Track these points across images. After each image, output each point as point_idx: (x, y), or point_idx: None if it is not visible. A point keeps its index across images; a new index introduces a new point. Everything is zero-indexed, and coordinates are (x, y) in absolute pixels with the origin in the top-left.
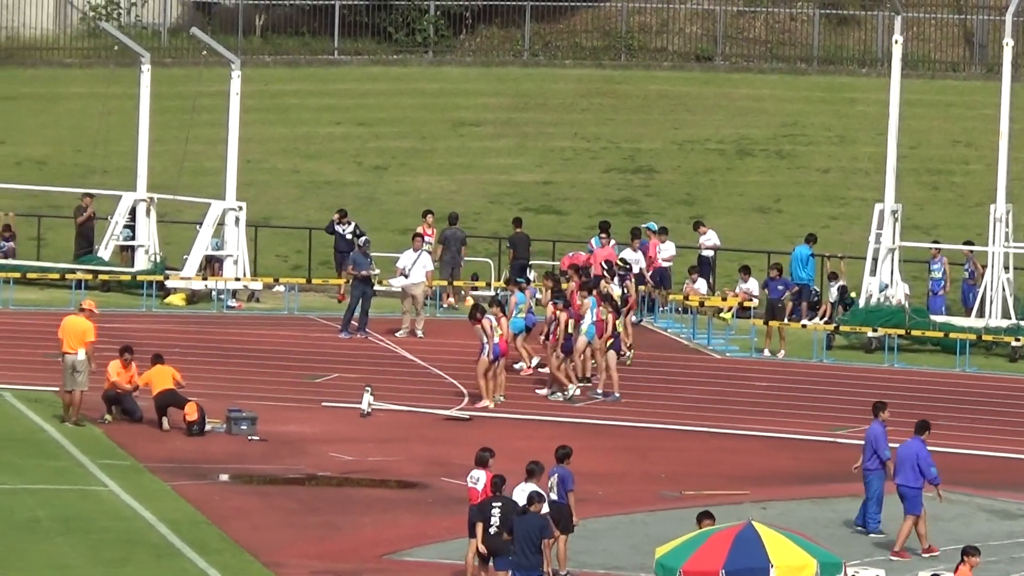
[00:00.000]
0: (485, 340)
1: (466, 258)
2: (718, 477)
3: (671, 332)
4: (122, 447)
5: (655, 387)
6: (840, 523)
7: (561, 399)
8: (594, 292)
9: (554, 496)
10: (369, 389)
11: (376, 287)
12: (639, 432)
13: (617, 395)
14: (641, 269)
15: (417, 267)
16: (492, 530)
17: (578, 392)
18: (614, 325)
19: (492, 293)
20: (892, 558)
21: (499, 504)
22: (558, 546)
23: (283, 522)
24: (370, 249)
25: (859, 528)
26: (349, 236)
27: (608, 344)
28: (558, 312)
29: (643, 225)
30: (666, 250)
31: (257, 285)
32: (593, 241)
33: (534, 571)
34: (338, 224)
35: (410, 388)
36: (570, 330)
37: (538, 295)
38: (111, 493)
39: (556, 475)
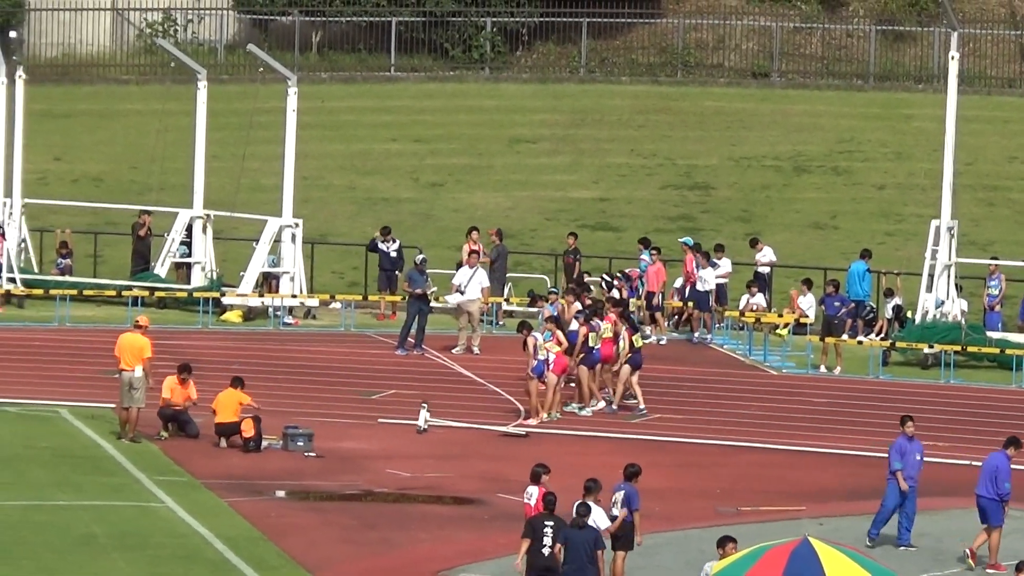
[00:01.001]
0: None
1: (520, 275)
2: (775, 493)
3: (727, 349)
4: (179, 463)
5: (712, 403)
6: (896, 539)
7: (578, 412)
8: (611, 310)
9: (615, 512)
10: (425, 406)
11: (432, 304)
12: (696, 448)
13: (643, 409)
14: (629, 288)
15: (473, 284)
16: (545, 551)
17: (601, 407)
18: (631, 340)
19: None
20: (989, 571)
21: (551, 523)
22: (616, 562)
23: (340, 538)
24: (426, 267)
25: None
26: (393, 254)
27: (626, 359)
28: (580, 326)
29: (680, 240)
30: (722, 267)
31: (313, 302)
32: (645, 256)
33: None
34: (381, 242)
35: (466, 404)
36: (591, 343)
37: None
38: (168, 509)
39: (622, 492)
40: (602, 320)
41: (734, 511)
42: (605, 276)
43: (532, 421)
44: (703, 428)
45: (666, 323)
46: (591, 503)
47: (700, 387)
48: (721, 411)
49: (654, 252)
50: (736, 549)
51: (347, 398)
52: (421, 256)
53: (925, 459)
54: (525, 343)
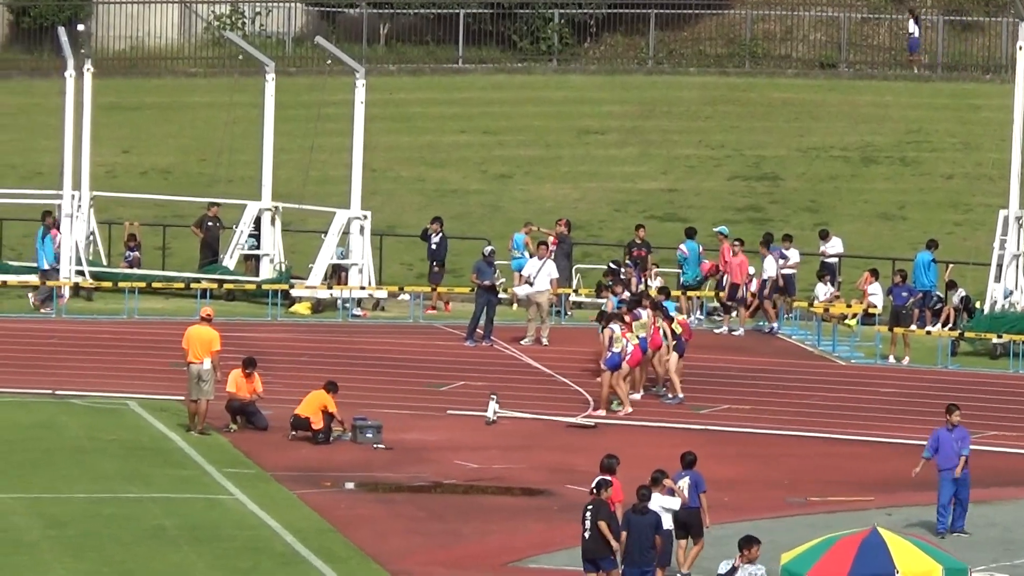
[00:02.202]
0: (603, 348)
1: (589, 265)
2: (843, 483)
3: (796, 339)
4: (247, 456)
5: (780, 393)
6: (952, 524)
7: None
8: (644, 303)
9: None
10: (494, 397)
11: (501, 295)
12: (764, 439)
13: (681, 396)
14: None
15: (542, 275)
16: (586, 535)
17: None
18: (671, 329)
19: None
20: None
21: (590, 507)
22: (691, 550)
23: (409, 529)
24: (495, 258)
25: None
26: (433, 246)
27: (673, 346)
28: (603, 327)
29: (715, 229)
30: (791, 257)
31: (382, 294)
32: (684, 246)
33: (647, 567)
34: (431, 232)
35: (535, 396)
36: (634, 341)
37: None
38: (237, 502)
39: (687, 479)
40: (643, 311)
41: (803, 501)
42: (611, 264)
43: (601, 412)
44: (771, 418)
45: (748, 314)
46: (657, 492)
47: (769, 378)
48: (790, 401)
49: (736, 243)
50: (759, 551)
51: (416, 390)
52: (490, 248)
53: (994, 449)
54: (603, 334)
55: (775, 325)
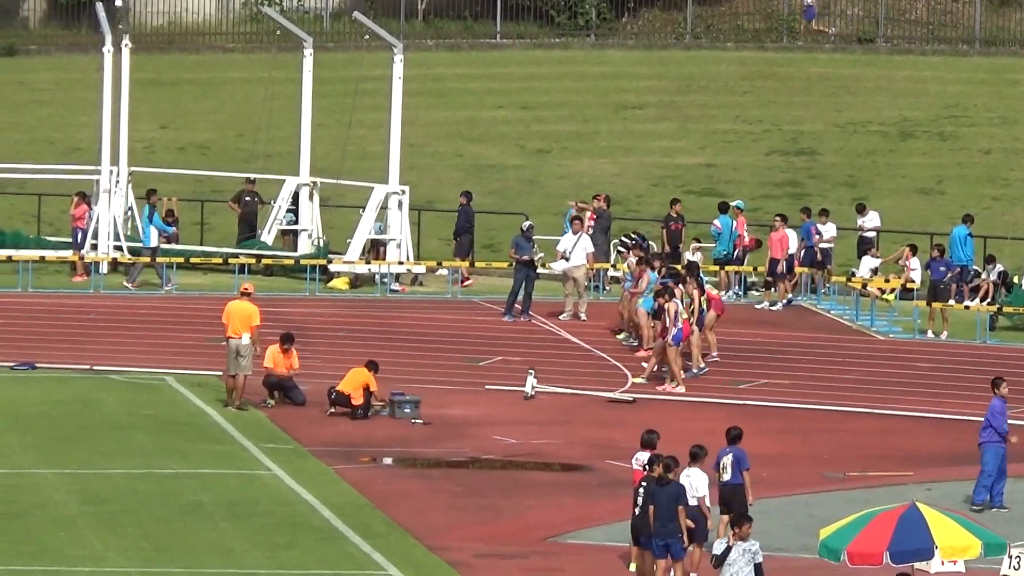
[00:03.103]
0: (668, 323)
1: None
2: (882, 458)
3: (834, 314)
4: (285, 431)
5: (819, 368)
6: (991, 502)
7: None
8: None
9: (726, 477)
10: (532, 372)
11: (539, 270)
12: (802, 413)
13: (703, 367)
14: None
15: (578, 250)
16: (637, 511)
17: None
18: (700, 301)
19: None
20: None
21: (644, 485)
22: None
23: (447, 505)
24: (533, 233)
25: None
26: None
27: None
28: (665, 303)
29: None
30: (827, 232)
31: (420, 269)
32: (718, 221)
33: (672, 538)
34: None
35: (573, 371)
36: (683, 317)
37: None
38: (274, 477)
39: (730, 455)
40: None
41: (841, 476)
42: (623, 238)
43: (681, 388)
44: (810, 393)
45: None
46: (697, 469)
47: (807, 352)
48: (828, 376)
49: (778, 219)
50: (751, 529)
51: (454, 365)
52: (528, 223)
53: None
54: (660, 309)
55: (784, 301)
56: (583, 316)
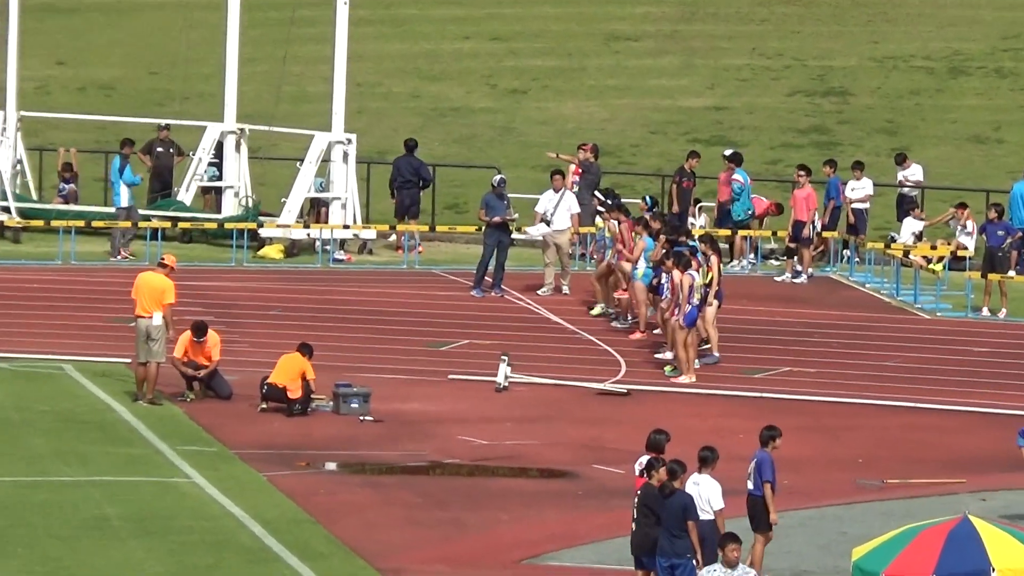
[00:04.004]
0: (682, 299)
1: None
2: (928, 462)
3: (870, 287)
4: (208, 430)
5: (851, 354)
6: None
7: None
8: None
9: (750, 486)
10: (506, 358)
11: (514, 235)
12: (830, 408)
13: (716, 356)
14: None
15: (561, 211)
16: (633, 526)
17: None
18: (719, 267)
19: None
20: None
21: (639, 494)
22: (755, 548)
23: (403, 519)
24: (506, 189)
25: None
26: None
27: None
28: (680, 274)
29: (725, 152)
30: (860, 188)
31: (370, 234)
32: (739, 175)
33: (679, 558)
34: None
35: (555, 357)
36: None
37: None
38: (194, 486)
39: (754, 460)
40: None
41: (879, 485)
42: (598, 194)
43: (685, 379)
44: (840, 384)
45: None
46: (708, 476)
47: (837, 334)
48: (862, 363)
49: (802, 174)
50: (738, 552)
51: (411, 350)
52: (499, 177)
53: None
54: (681, 280)
55: (805, 274)
56: (566, 290)
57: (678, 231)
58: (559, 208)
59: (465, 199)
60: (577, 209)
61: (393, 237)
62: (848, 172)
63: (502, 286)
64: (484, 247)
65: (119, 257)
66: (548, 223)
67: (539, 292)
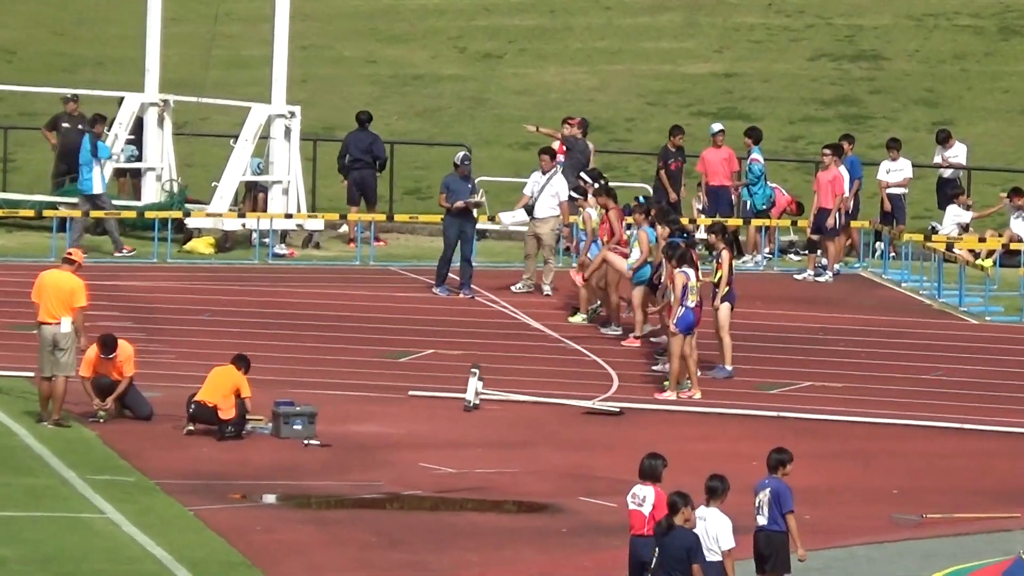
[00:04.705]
0: (673, 300)
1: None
2: (975, 493)
3: (907, 287)
4: (124, 457)
5: (885, 365)
6: None
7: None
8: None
9: (762, 520)
10: (476, 371)
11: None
12: (860, 430)
13: (729, 370)
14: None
15: (545, 196)
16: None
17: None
18: (730, 265)
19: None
20: None
21: (660, 546)
22: None
23: (354, 562)
24: (471, 169)
25: None
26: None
27: (723, 295)
28: (671, 270)
29: (715, 126)
30: (897, 171)
31: (317, 224)
32: (756, 154)
33: None
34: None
35: (535, 369)
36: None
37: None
38: (109, 522)
39: (767, 490)
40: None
41: (917, 520)
42: (584, 176)
43: (670, 394)
44: (872, 401)
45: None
46: (716, 510)
47: (868, 342)
48: (898, 377)
49: (827, 152)
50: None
51: (365, 361)
52: (462, 153)
53: None
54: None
55: (830, 271)
56: (548, 290)
57: (666, 218)
58: (543, 193)
59: (429, 183)
60: (565, 195)
61: (345, 228)
62: (880, 152)
63: (471, 286)
64: (445, 239)
65: (127, 251)
66: (531, 210)
67: (513, 288)
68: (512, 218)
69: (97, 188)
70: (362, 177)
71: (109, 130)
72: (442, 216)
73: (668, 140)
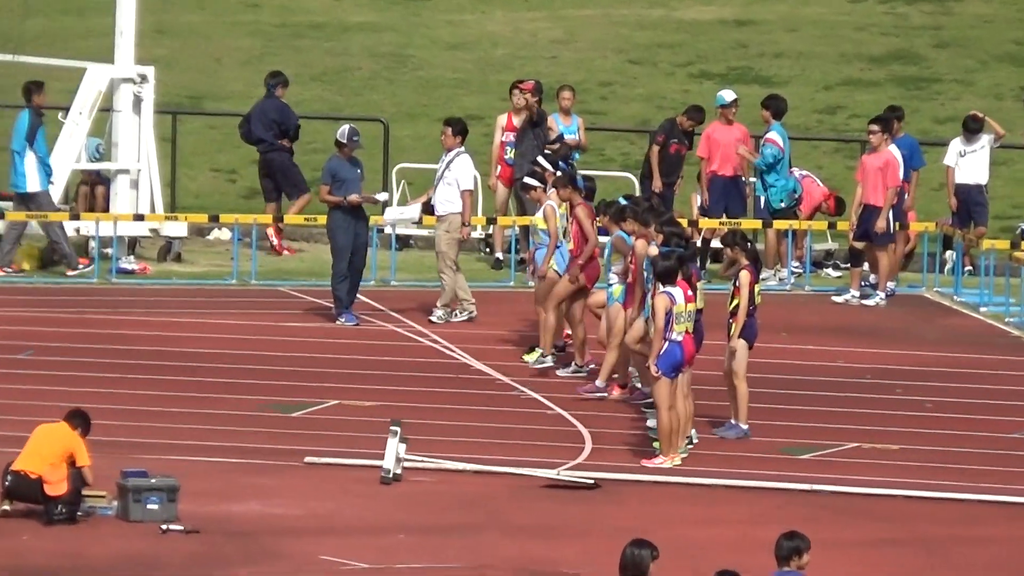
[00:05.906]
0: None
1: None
2: None
3: (987, 313)
4: None
5: (953, 420)
6: None
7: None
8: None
9: None
10: (398, 430)
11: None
12: (928, 509)
13: (745, 428)
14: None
15: (441, 187)
16: None
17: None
18: (752, 290)
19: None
20: None
21: None
22: None
23: None
24: (359, 146)
25: None
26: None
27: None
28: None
29: (726, 95)
30: (974, 155)
31: (180, 228)
32: (774, 134)
33: None
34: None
35: (479, 427)
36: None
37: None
38: None
39: None
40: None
41: None
42: (542, 160)
43: (661, 460)
44: (942, 470)
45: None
46: None
47: (932, 388)
48: (975, 436)
49: (875, 129)
50: None
51: (245, 416)
52: (347, 127)
53: None
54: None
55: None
56: (462, 314)
57: (660, 220)
58: (440, 181)
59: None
60: (469, 183)
61: (218, 233)
62: (949, 128)
63: (351, 311)
64: (334, 246)
65: (83, 266)
66: (431, 205)
67: (431, 318)
68: (399, 215)
69: (29, 185)
70: (269, 161)
71: (64, 116)
72: (327, 215)
73: (681, 116)
